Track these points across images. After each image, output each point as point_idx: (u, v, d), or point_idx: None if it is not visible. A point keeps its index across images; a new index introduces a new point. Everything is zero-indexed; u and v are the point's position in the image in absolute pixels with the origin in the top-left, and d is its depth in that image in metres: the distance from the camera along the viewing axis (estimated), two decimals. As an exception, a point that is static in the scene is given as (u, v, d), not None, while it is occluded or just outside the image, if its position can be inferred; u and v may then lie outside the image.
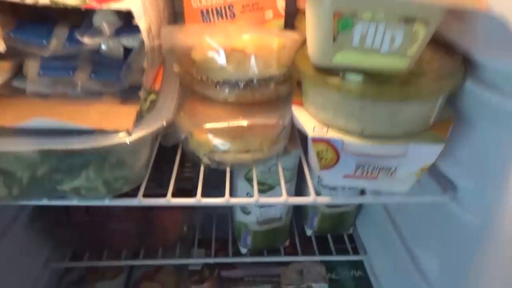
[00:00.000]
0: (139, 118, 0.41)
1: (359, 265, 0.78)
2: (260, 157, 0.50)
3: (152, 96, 0.44)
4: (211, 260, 0.74)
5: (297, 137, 0.57)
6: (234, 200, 0.49)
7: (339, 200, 0.64)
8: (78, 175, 0.41)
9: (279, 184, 0.62)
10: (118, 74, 0.40)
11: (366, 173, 0.44)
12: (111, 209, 0.66)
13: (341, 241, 0.80)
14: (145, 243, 0.74)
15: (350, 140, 0.41)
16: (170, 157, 0.52)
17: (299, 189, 0.69)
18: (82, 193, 0.43)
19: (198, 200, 0.46)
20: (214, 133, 0.48)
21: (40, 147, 0.37)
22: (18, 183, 0.40)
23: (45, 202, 0.44)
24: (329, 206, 0.74)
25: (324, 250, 0.77)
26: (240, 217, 0.71)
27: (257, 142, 0.49)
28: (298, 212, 0.80)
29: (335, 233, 0.80)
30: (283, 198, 0.47)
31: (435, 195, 0.48)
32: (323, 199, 0.52)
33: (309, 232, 0.79)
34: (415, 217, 0.59)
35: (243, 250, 0.75)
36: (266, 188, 0.64)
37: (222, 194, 0.47)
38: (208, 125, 0.46)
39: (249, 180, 0.62)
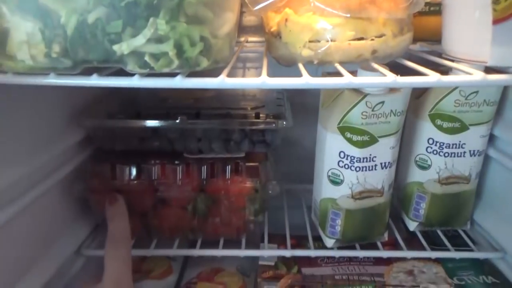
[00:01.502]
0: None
1: (489, 268, 0.57)
2: (381, 47, 0.36)
3: None
4: (288, 253, 0.56)
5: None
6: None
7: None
8: (142, 26, 0.29)
9: (383, 136, 0.47)
10: None
11: None
12: (166, 172, 0.53)
13: (457, 238, 0.60)
14: (202, 231, 0.58)
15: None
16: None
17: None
18: (146, 63, 0.30)
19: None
20: (321, 11, 0.35)
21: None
22: (60, 33, 0.29)
23: (94, 80, 0.31)
24: (443, 182, 0.56)
25: (437, 248, 0.58)
26: (327, 191, 0.55)
27: (379, 24, 0.36)
28: (397, 200, 0.62)
29: (447, 227, 0.61)
30: (390, 77, 0.32)
31: None
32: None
33: (412, 225, 0.60)
34: None
35: (329, 242, 0.57)
36: (367, 140, 0.49)
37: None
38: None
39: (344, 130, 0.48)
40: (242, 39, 0.61)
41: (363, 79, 0.32)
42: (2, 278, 0.41)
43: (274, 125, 0.53)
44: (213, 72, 0.33)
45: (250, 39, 0.64)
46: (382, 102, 0.48)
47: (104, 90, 0.63)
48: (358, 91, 0.48)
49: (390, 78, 0.31)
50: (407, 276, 0.54)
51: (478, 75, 0.30)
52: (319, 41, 0.36)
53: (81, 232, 0.57)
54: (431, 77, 0.31)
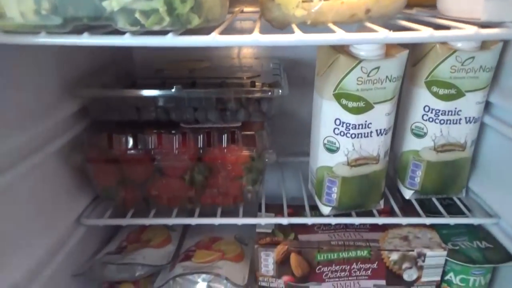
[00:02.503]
0: None
1: (483, 234, 0.58)
2: (374, 6, 0.36)
3: None
4: (285, 221, 0.57)
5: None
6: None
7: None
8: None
9: (379, 102, 0.48)
10: None
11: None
12: (163, 142, 0.53)
13: (452, 206, 0.61)
14: (199, 200, 0.59)
15: None
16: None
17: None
18: (136, 20, 0.30)
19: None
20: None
21: None
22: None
23: (85, 39, 0.31)
24: (439, 150, 0.56)
25: (432, 215, 0.58)
26: (323, 159, 0.55)
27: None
28: (392, 169, 0.63)
29: (442, 195, 0.61)
30: (382, 33, 0.31)
31: None
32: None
33: (408, 194, 0.61)
34: None
35: (326, 210, 0.57)
36: (362, 106, 0.49)
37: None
38: None
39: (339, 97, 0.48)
40: (237, 8, 0.61)
41: (355, 35, 0.32)
42: (1, 245, 0.42)
43: (270, 93, 0.53)
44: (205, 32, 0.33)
45: (246, 9, 0.64)
46: (378, 68, 0.48)
47: (100, 61, 0.63)
48: (353, 57, 0.48)
49: (382, 34, 0.31)
50: (402, 241, 0.55)
51: (471, 30, 0.30)
52: (312, 1, 0.36)
53: (80, 202, 0.58)
54: (423, 32, 0.30)
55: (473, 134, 0.56)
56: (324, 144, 0.54)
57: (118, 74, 0.62)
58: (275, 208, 0.61)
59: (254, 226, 0.59)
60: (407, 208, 0.59)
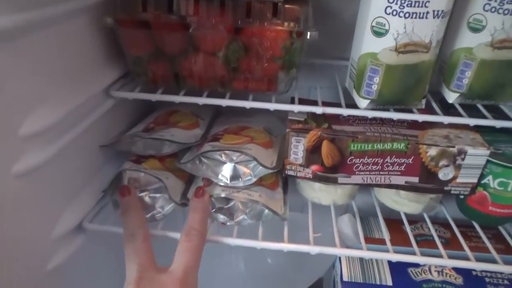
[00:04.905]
0: None
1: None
2: None
3: None
4: (319, 110, 0.54)
5: None
6: None
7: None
8: None
9: None
10: None
11: None
12: (200, 9, 0.50)
13: (499, 112, 0.57)
14: (231, 84, 0.56)
15: None
16: None
17: None
18: None
19: None
20: None
21: None
22: None
23: None
24: (497, 46, 0.51)
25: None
26: (369, 44, 0.51)
27: None
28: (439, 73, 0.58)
29: (490, 100, 0.57)
30: None
31: None
32: None
33: (452, 97, 0.57)
34: None
35: (363, 103, 0.54)
36: None
37: None
38: None
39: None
40: None
41: None
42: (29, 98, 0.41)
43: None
44: None
45: None
46: None
47: None
48: None
49: None
50: (442, 138, 0.52)
51: None
52: None
53: (111, 73, 0.56)
54: None
55: (537, 31, 0.51)
56: (372, 27, 0.50)
57: None
58: (308, 102, 0.58)
59: (284, 121, 0.57)
60: (449, 112, 0.56)
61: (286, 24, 0.50)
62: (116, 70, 0.56)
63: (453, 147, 0.51)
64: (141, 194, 0.53)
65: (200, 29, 0.50)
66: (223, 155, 0.53)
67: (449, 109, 0.57)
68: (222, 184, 0.53)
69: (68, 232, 0.49)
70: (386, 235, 0.53)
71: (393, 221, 0.60)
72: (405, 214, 0.59)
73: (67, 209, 0.49)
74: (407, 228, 0.55)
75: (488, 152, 0.51)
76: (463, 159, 0.51)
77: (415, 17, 0.47)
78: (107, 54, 0.55)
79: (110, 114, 0.56)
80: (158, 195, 0.53)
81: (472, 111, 0.56)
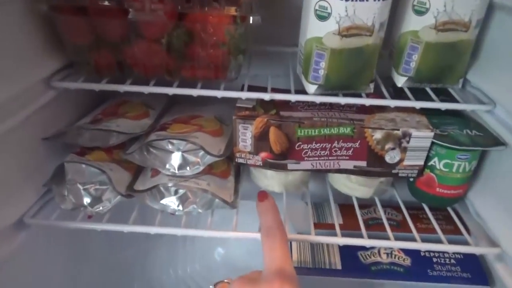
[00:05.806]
0: None
1: (475, 124, 0.55)
2: None
3: None
4: (267, 96, 0.54)
5: None
6: None
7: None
8: None
9: None
10: None
11: None
12: None
13: (446, 95, 0.57)
14: (179, 72, 0.55)
15: None
16: None
17: None
18: None
19: None
20: None
21: None
22: None
23: None
24: (440, 29, 0.51)
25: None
26: (313, 29, 0.50)
27: None
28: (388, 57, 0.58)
29: (438, 84, 0.57)
30: None
31: None
32: None
33: (400, 81, 0.57)
34: None
35: (311, 88, 0.54)
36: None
37: None
38: None
39: None
40: None
41: None
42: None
43: None
44: None
45: None
46: None
47: None
48: None
49: None
50: (388, 122, 0.53)
51: None
52: None
53: (50, 64, 0.54)
54: None
55: (479, 13, 0.51)
56: (315, 11, 0.49)
57: None
58: (258, 89, 0.57)
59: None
60: (397, 96, 0.56)
61: (228, 8, 0.49)
62: (57, 60, 0.54)
63: (398, 129, 0.51)
64: (86, 187, 0.51)
65: (139, 14, 0.49)
66: (169, 144, 0.52)
67: (401, 93, 0.57)
68: (169, 173, 0.52)
69: (7, 228, 0.47)
70: (336, 220, 0.54)
71: (348, 206, 0.60)
72: (358, 198, 0.59)
73: (5, 204, 0.48)
74: (358, 212, 0.55)
75: (432, 134, 0.51)
76: (408, 142, 0.51)
77: (356, 0, 0.47)
78: (46, 43, 0.53)
79: (53, 105, 0.54)
80: (104, 187, 0.52)
81: (425, 95, 0.56)
